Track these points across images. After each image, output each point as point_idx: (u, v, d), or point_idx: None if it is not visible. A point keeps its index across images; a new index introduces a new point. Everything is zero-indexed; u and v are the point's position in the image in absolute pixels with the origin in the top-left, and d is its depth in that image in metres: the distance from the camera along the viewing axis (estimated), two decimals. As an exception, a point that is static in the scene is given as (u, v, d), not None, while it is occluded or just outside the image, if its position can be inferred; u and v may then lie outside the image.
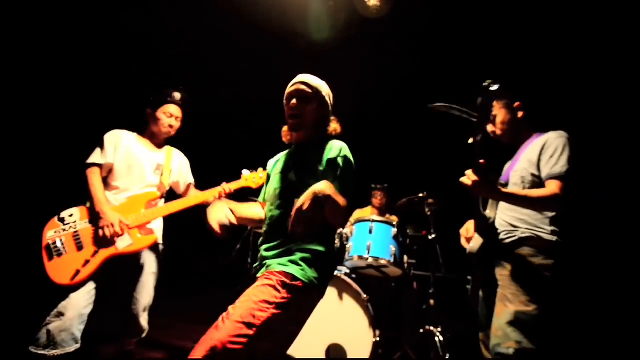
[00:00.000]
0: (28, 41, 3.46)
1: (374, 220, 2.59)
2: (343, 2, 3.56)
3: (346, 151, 1.44)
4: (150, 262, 2.08)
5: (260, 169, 2.19)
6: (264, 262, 1.40)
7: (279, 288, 1.25)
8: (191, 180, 2.36)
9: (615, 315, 3.09)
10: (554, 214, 1.63)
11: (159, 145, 2.25)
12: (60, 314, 1.77)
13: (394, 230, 2.57)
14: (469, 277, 1.90)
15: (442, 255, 3.08)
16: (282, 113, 1.57)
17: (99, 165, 2.02)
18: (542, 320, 1.52)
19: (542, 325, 1.52)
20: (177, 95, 2.19)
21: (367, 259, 2.45)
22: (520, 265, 1.60)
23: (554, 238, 1.60)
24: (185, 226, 5.79)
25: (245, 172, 2.18)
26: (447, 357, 2.53)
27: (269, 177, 1.64)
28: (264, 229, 1.49)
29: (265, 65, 4.19)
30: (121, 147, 2.08)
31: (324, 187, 1.26)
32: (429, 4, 3.42)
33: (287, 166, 1.54)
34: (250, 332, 1.17)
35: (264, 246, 1.44)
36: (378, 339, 2.29)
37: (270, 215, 1.47)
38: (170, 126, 2.18)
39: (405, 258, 2.62)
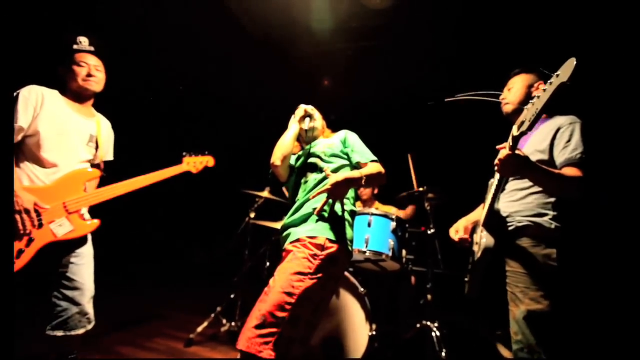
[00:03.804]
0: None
1: (373, 214, 2.57)
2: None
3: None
4: (88, 243, 1.85)
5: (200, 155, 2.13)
6: (288, 231, 1.60)
7: (311, 259, 1.44)
8: (110, 157, 2.04)
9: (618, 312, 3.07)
10: (554, 199, 1.57)
11: (88, 111, 1.91)
12: None
13: (393, 224, 2.55)
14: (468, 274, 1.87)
15: (440, 250, 3.06)
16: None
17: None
18: (556, 316, 1.45)
19: (556, 322, 1.45)
20: (85, 40, 1.80)
21: (365, 252, 2.43)
22: (523, 258, 1.53)
23: (553, 225, 1.53)
24: (182, 216, 5.81)
25: (186, 156, 2.13)
26: (443, 352, 2.53)
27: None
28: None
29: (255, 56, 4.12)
30: (45, 110, 1.70)
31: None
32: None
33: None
34: (292, 300, 1.35)
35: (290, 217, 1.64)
36: (374, 332, 2.28)
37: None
38: (90, 75, 1.80)
39: (404, 252, 2.60)
